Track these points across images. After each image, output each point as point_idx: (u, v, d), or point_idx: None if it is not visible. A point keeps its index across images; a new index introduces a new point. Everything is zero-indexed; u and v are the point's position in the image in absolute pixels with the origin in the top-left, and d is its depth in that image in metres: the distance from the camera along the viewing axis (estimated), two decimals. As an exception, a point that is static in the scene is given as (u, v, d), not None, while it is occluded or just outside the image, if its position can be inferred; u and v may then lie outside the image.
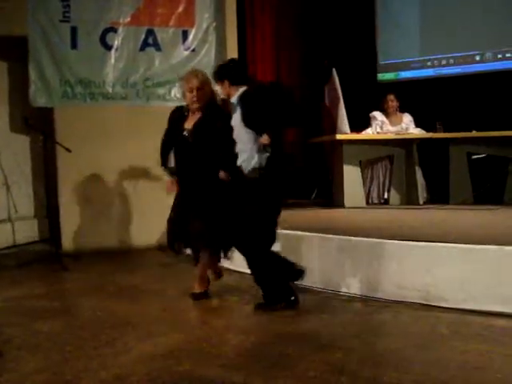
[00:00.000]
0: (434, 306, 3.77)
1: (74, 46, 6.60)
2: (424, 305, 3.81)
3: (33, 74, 6.41)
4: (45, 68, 6.47)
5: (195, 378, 2.72)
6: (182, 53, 6.90)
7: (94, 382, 2.69)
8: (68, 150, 5.91)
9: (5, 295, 4.54)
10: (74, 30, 6.57)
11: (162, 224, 6.87)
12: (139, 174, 6.62)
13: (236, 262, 5.21)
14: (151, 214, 6.18)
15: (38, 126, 6.12)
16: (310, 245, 4.54)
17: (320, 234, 4.53)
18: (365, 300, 4.05)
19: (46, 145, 6.05)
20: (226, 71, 3.94)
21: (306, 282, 4.47)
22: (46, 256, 6.06)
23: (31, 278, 5.26)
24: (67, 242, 6.64)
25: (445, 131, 6.78)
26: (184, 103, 4.29)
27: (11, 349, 3.18)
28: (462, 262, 3.74)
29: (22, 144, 7.14)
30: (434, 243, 3.91)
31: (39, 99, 6.45)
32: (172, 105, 6.75)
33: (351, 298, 4.12)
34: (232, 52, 7.26)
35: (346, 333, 3.36)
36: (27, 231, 7.08)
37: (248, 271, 4.96)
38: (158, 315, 3.85)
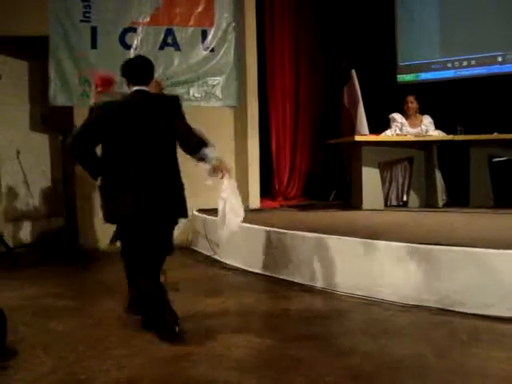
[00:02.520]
0: (453, 310, 3.69)
1: (93, 45, 6.63)
2: (443, 309, 3.74)
3: (52, 73, 6.45)
4: (64, 67, 6.51)
5: (208, 381, 2.69)
6: (200, 52, 6.89)
7: (107, 383, 2.68)
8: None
9: (21, 293, 4.55)
10: (94, 30, 6.61)
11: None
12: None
13: (251, 262, 5.22)
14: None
15: (56, 124, 6.16)
16: (328, 247, 4.49)
17: (338, 236, 4.47)
18: (382, 304, 3.98)
19: (64, 143, 6.07)
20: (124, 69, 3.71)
21: (323, 284, 4.45)
22: (64, 255, 6.09)
23: (48, 277, 5.27)
24: (85, 240, 6.66)
25: (465, 133, 6.68)
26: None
27: (26, 347, 3.18)
28: (482, 266, 3.67)
29: (41, 143, 7.19)
30: (454, 247, 3.84)
31: (58, 98, 6.49)
32: (191, 104, 6.83)
33: (369, 302, 4.06)
34: (251, 52, 7.26)
35: (362, 337, 3.30)
36: (46, 229, 7.13)
37: (262, 272, 4.95)
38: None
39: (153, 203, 3.49)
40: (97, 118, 3.65)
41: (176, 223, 3.73)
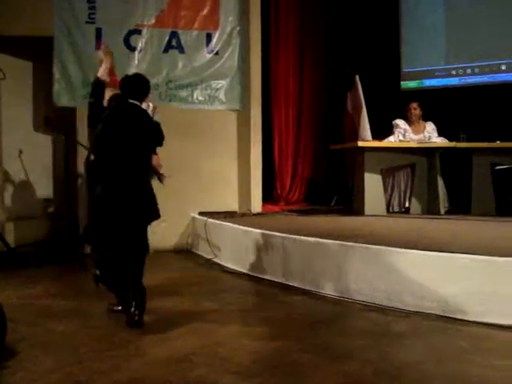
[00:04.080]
0: (453, 318, 3.68)
1: (98, 47, 6.62)
2: (443, 316, 3.73)
3: (57, 74, 6.46)
4: (69, 68, 6.52)
5: (208, 384, 2.69)
6: (205, 56, 6.90)
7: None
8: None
9: (21, 293, 4.56)
10: (98, 32, 6.62)
11: (178, 227, 6.91)
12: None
13: (251, 266, 5.21)
14: (168, 216, 6.16)
15: (59, 125, 6.17)
16: (327, 252, 4.48)
17: (338, 242, 4.47)
18: (382, 310, 3.97)
19: (67, 144, 6.09)
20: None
21: (324, 289, 4.44)
22: (65, 255, 6.09)
23: (49, 277, 5.29)
24: (86, 241, 6.65)
25: (468, 141, 6.68)
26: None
27: (25, 347, 3.17)
28: (483, 273, 3.66)
29: (44, 143, 7.21)
30: (455, 254, 3.83)
31: (62, 99, 6.50)
32: (194, 107, 6.84)
33: (369, 308, 4.05)
34: (255, 56, 7.26)
35: (363, 343, 3.29)
36: (48, 229, 7.13)
37: (263, 276, 4.96)
38: (173, 318, 3.82)
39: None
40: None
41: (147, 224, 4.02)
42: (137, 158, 3.88)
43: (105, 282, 3.98)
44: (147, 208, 3.94)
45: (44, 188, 7.19)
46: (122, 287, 3.82)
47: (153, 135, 4.00)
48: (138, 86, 4.02)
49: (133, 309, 3.65)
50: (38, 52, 6.73)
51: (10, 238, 6.63)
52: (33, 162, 6.99)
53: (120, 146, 3.83)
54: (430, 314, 3.78)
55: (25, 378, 2.73)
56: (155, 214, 4.01)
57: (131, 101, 3.93)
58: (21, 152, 6.82)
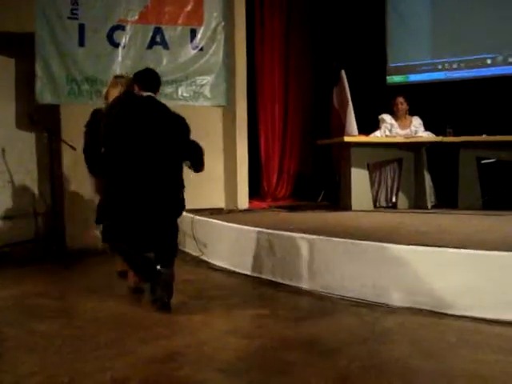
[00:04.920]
0: (442, 312, 3.67)
1: (81, 43, 6.57)
2: (431, 311, 3.71)
3: (39, 71, 6.39)
4: (51, 65, 6.44)
5: (195, 383, 2.65)
6: (189, 52, 6.86)
7: (90, 385, 2.63)
8: (73, 148, 5.86)
9: (4, 293, 4.48)
10: (81, 28, 6.56)
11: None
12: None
13: (238, 263, 5.18)
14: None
15: (43, 123, 6.08)
16: (314, 247, 4.46)
17: (324, 237, 4.44)
18: (371, 305, 3.95)
19: (51, 142, 6.01)
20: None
21: (311, 285, 4.42)
22: (49, 254, 6.02)
23: (32, 277, 5.20)
24: (71, 240, 6.59)
25: (455, 135, 6.68)
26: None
27: (7, 349, 3.12)
28: (471, 268, 3.65)
29: (27, 141, 7.09)
30: (442, 248, 3.82)
31: (45, 96, 6.43)
32: (179, 104, 6.78)
33: (357, 303, 4.03)
34: (240, 52, 7.22)
35: (351, 339, 3.27)
36: (31, 229, 7.04)
37: (249, 273, 4.96)
38: (159, 318, 3.76)
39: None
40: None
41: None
42: (158, 155, 3.88)
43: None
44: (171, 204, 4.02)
45: (27, 186, 7.09)
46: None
47: (177, 128, 4.02)
48: (151, 77, 4.06)
49: (160, 292, 3.82)
50: (21, 48, 6.62)
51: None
52: (16, 160, 6.89)
53: (138, 141, 3.84)
54: (418, 308, 3.77)
55: (5, 379, 2.67)
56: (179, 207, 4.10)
57: (146, 93, 3.95)
58: (4, 151, 6.72)
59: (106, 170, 3.99)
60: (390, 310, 3.84)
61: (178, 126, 4.05)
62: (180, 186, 4.08)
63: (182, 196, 4.10)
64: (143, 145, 3.87)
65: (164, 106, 4.06)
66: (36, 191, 7.20)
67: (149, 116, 3.94)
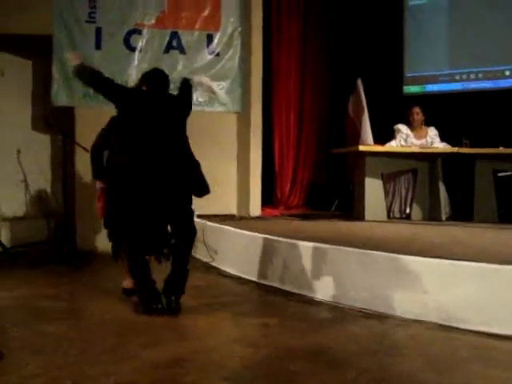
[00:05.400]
0: (453, 326, 3.59)
1: (98, 46, 6.60)
2: (442, 325, 3.63)
3: (56, 74, 6.42)
4: (68, 68, 6.43)
5: (199, 391, 2.61)
6: (206, 57, 6.85)
7: (93, 389, 2.60)
8: (86, 150, 5.82)
9: (13, 294, 4.48)
10: (98, 31, 6.58)
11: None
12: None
13: (248, 270, 5.13)
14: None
15: (58, 125, 6.11)
16: (325, 257, 4.40)
17: (336, 247, 4.39)
18: (381, 317, 3.89)
19: (65, 144, 6.03)
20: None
21: (321, 295, 4.36)
22: (60, 256, 6.02)
23: (43, 278, 5.21)
24: (81, 241, 6.60)
25: (471, 147, 6.61)
26: None
27: (14, 349, 3.09)
28: (485, 281, 3.58)
29: (42, 143, 7.14)
30: (456, 261, 3.75)
31: (61, 99, 6.45)
32: (194, 109, 6.76)
33: (367, 314, 3.96)
34: (257, 57, 7.21)
35: (360, 351, 3.21)
36: (43, 230, 7.05)
37: (259, 281, 4.91)
38: (166, 323, 3.74)
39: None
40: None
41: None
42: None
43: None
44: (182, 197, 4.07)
45: (41, 188, 7.12)
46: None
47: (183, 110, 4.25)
48: (159, 77, 4.15)
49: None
50: (38, 51, 6.67)
51: (6, 238, 6.58)
52: (30, 161, 6.92)
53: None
54: (430, 322, 3.69)
55: (9, 381, 2.65)
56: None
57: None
58: (19, 152, 6.76)
59: (114, 174, 3.97)
60: (401, 322, 3.76)
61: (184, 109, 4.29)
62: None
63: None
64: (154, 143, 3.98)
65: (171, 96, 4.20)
66: (49, 193, 7.23)
67: (159, 112, 4.02)
